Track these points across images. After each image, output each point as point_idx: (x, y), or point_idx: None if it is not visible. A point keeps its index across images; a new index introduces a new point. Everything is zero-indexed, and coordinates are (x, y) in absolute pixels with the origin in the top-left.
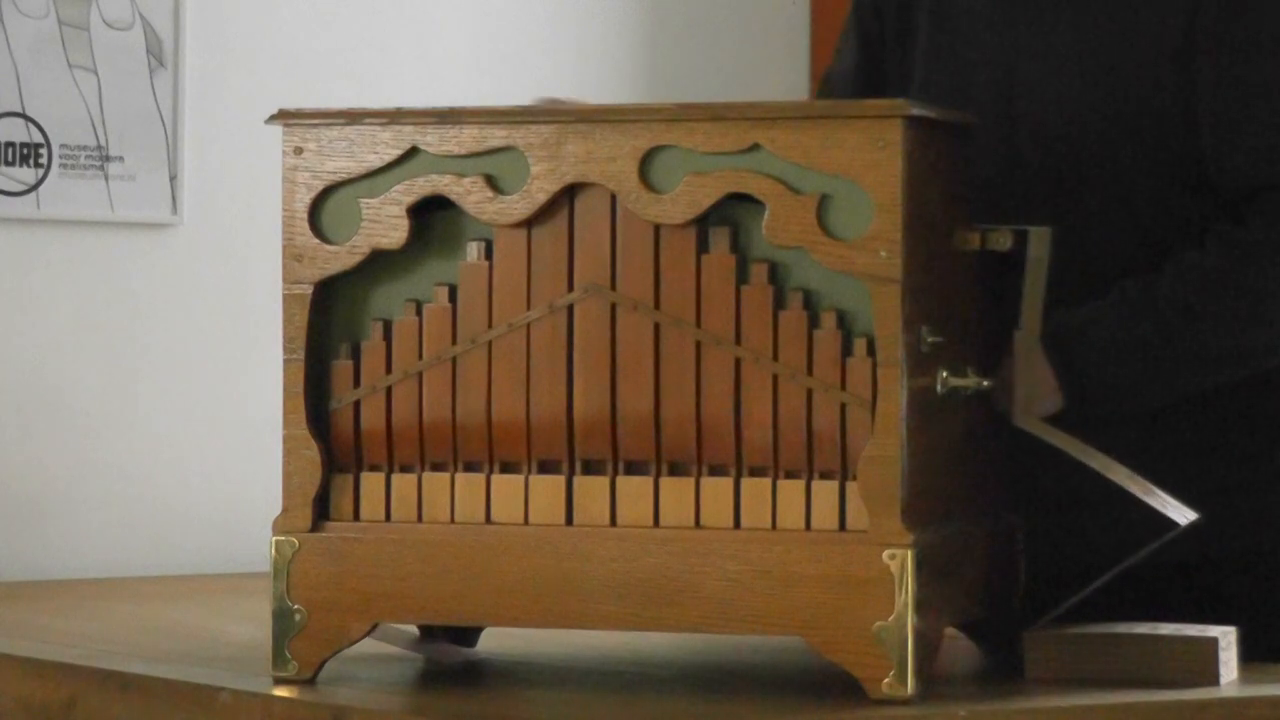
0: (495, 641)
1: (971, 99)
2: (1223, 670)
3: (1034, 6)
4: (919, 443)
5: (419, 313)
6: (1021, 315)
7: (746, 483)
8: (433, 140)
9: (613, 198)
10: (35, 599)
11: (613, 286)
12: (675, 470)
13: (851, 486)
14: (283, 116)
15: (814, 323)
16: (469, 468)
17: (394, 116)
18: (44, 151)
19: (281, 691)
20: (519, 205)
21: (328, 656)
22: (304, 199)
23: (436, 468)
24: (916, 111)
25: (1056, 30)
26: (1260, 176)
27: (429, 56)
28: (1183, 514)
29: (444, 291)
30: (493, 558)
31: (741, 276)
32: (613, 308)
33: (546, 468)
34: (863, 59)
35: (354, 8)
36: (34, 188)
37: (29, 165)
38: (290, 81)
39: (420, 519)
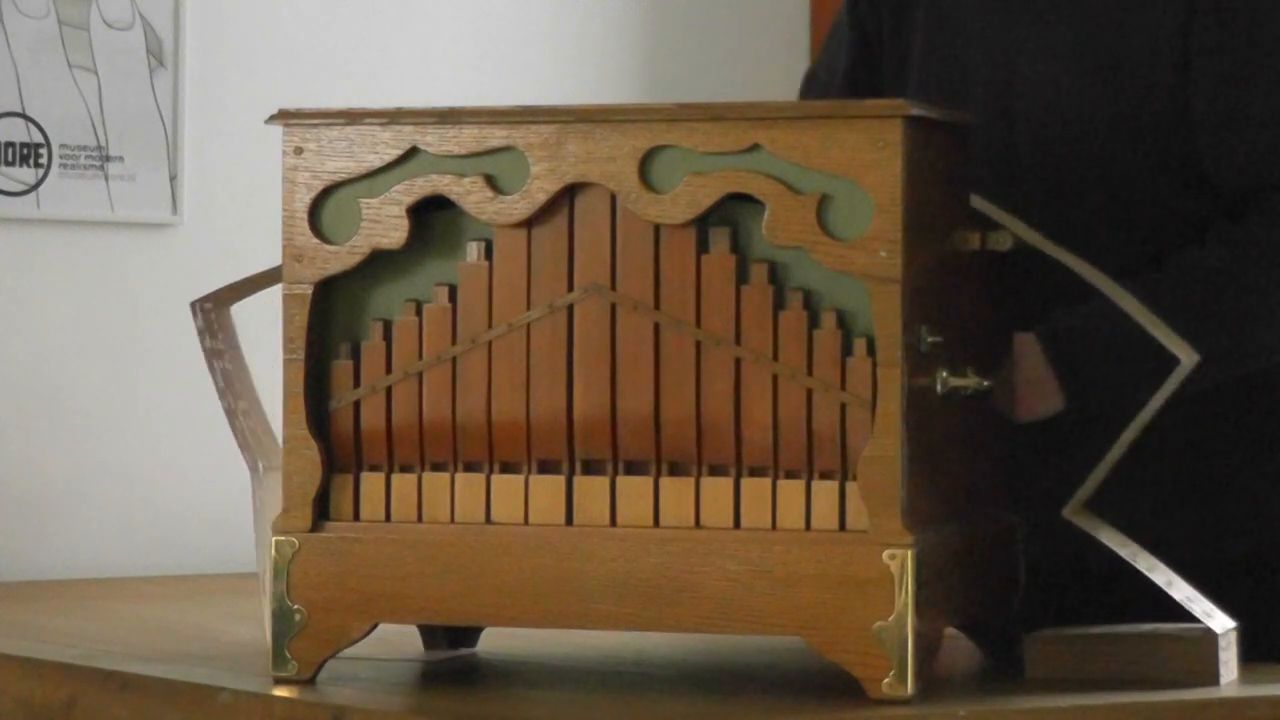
0: (495, 641)
1: (970, 98)
2: (1223, 670)
3: (1033, 6)
4: (919, 443)
5: (419, 313)
6: (1123, 433)
7: (746, 483)
8: (433, 140)
9: (613, 198)
10: (35, 599)
11: (613, 286)
12: (675, 470)
13: (851, 486)
14: (283, 116)
15: (814, 323)
16: (469, 468)
17: (394, 116)
18: (44, 151)
19: (281, 691)
20: (519, 205)
21: (328, 656)
22: (304, 199)
23: (436, 468)
24: (916, 111)
25: (1055, 30)
26: (1260, 175)
27: (429, 56)
28: (1221, 623)
29: (444, 291)
30: (493, 558)
31: (741, 276)
32: (613, 308)
33: (546, 468)
34: (859, 59)
35: (354, 8)
36: (34, 188)
37: (29, 165)
38: (290, 81)
39: (420, 519)
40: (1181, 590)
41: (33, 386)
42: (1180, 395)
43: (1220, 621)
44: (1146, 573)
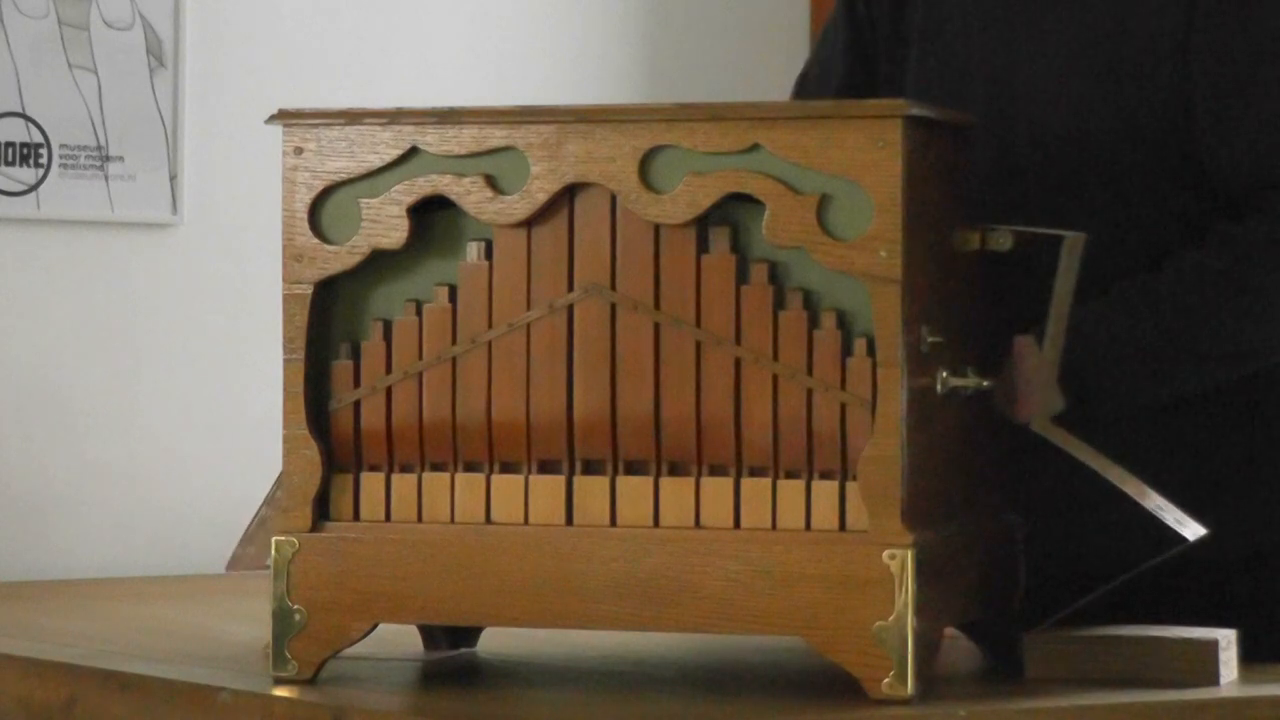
0: (495, 641)
1: (969, 99)
2: (1223, 670)
3: (1031, 7)
4: (919, 443)
5: (419, 313)
6: (1047, 327)
7: (746, 483)
8: (433, 140)
9: (613, 198)
10: (35, 599)
11: (613, 286)
12: (675, 470)
13: (851, 486)
14: (283, 116)
15: (814, 323)
16: (469, 468)
17: (394, 116)
18: (44, 151)
19: (281, 691)
20: (519, 205)
21: (328, 656)
22: (304, 199)
23: (436, 468)
24: (916, 111)
25: (1055, 30)
26: (1259, 175)
27: (429, 56)
28: (1193, 530)
29: (444, 291)
30: (493, 558)
31: (741, 276)
32: (613, 308)
33: (546, 468)
34: (856, 61)
35: (354, 8)
36: (34, 188)
37: (29, 165)
38: (290, 81)
39: (420, 519)
40: (1153, 500)
41: (33, 386)
42: (1181, 395)
43: (1192, 529)
44: (1118, 483)
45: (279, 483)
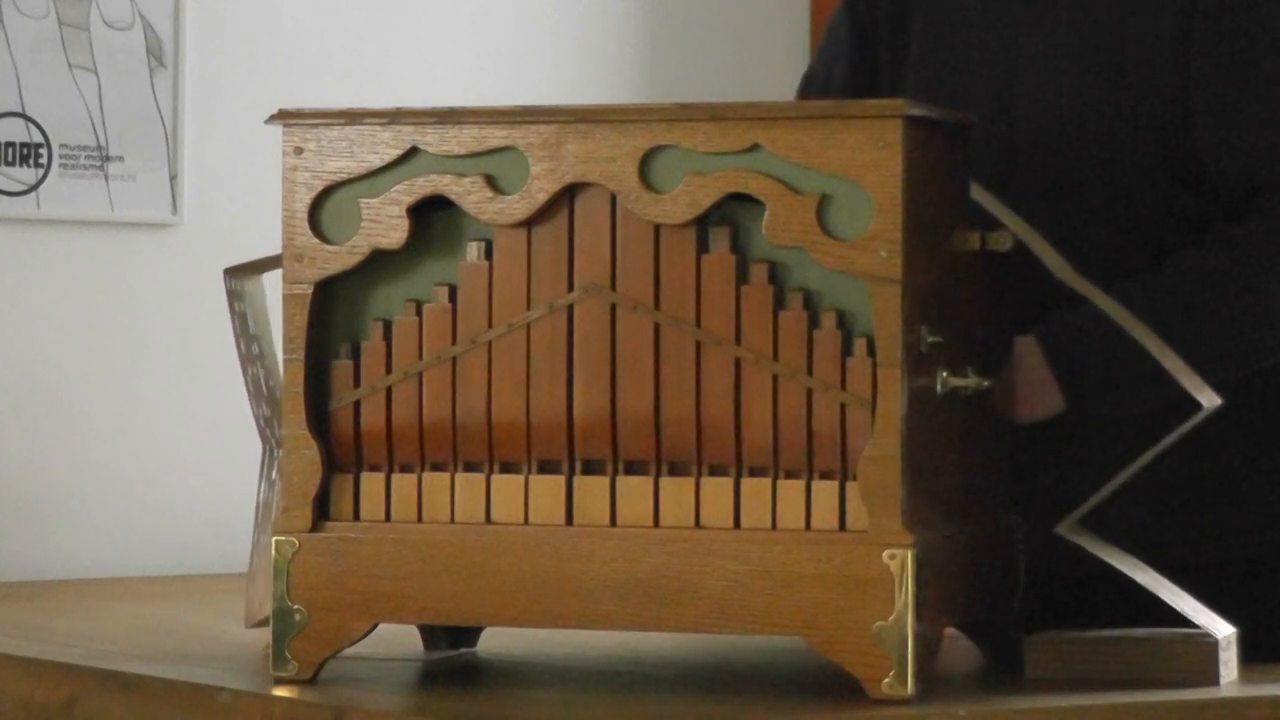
0: (495, 641)
1: (970, 99)
2: (1223, 670)
3: (1033, 7)
4: (919, 443)
5: (419, 313)
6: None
7: (746, 483)
8: (433, 140)
9: (613, 198)
10: (35, 599)
11: (613, 286)
12: (675, 470)
13: (851, 486)
14: (283, 116)
15: (814, 323)
16: (469, 468)
17: (394, 116)
18: (44, 151)
19: (281, 691)
20: (519, 205)
21: (328, 656)
22: (304, 199)
23: (436, 468)
24: (916, 111)
25: (1056, 30)
26: (1260, 175)
27: (429, 56)
28: (1209, 399)
29: (444, 291)
30: (493, 558)
31: (741, 276)
32: (613, 308)
33: (546, 468)
34: (860, 61)
35: (354, 8)
36: (34, 188)
37: (29, 165)
38: (290, 81)
39: (420, 519)
40: (1172, 361)
41: (33, 386)
42: (1181, 395)
43: (1209, 397)
44: (1141, 340)
45: (260, 524)
